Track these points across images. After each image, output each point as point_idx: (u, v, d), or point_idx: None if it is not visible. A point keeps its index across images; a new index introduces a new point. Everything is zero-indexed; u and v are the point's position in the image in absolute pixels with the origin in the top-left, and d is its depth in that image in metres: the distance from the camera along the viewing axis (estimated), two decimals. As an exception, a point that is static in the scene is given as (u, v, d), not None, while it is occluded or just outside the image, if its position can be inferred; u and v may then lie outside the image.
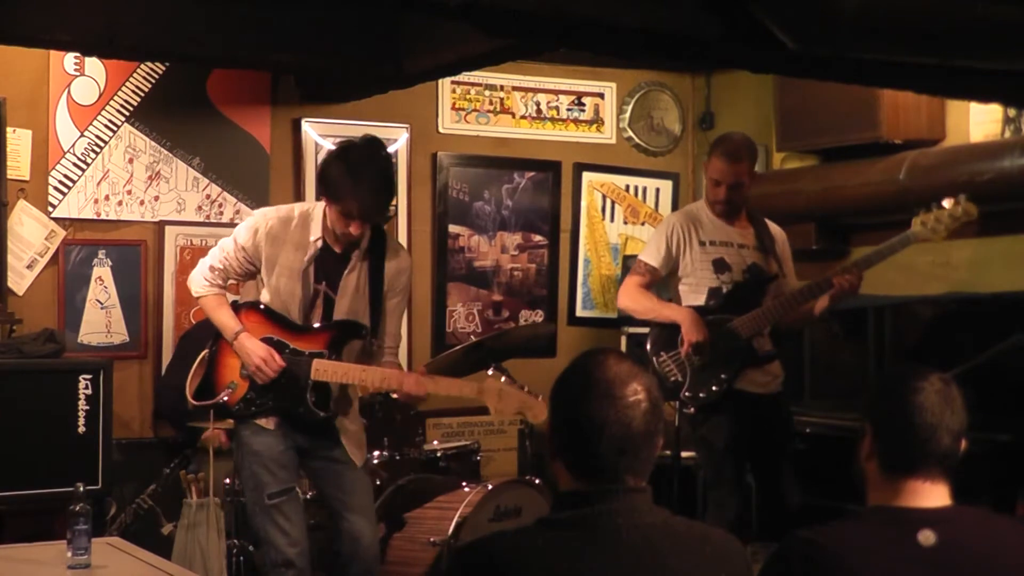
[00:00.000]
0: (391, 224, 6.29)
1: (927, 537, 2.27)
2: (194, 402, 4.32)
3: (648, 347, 4.91)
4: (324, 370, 4.18)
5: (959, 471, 2.38)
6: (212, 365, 4.32)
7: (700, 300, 4.85)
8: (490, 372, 4.29)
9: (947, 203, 4.52)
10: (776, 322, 4.84)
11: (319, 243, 4.22)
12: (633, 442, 2.10)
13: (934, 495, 2.34)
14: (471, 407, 6.47)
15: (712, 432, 4.82)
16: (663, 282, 5.02)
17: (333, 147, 4.27)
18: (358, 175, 4.05)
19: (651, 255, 4.95)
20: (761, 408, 4.83)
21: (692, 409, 4.80)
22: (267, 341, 4.21)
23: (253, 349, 4.19)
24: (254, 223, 4.28)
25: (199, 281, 4.32)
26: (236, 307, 4.31)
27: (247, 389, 4.24)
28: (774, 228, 5.01)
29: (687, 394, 4.76)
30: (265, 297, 4.27)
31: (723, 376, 4.77)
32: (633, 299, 4.96)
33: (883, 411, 2.41)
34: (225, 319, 4.26)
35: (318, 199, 4.23)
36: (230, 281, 4.36)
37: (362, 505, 4.34)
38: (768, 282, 4.87)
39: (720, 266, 4.85)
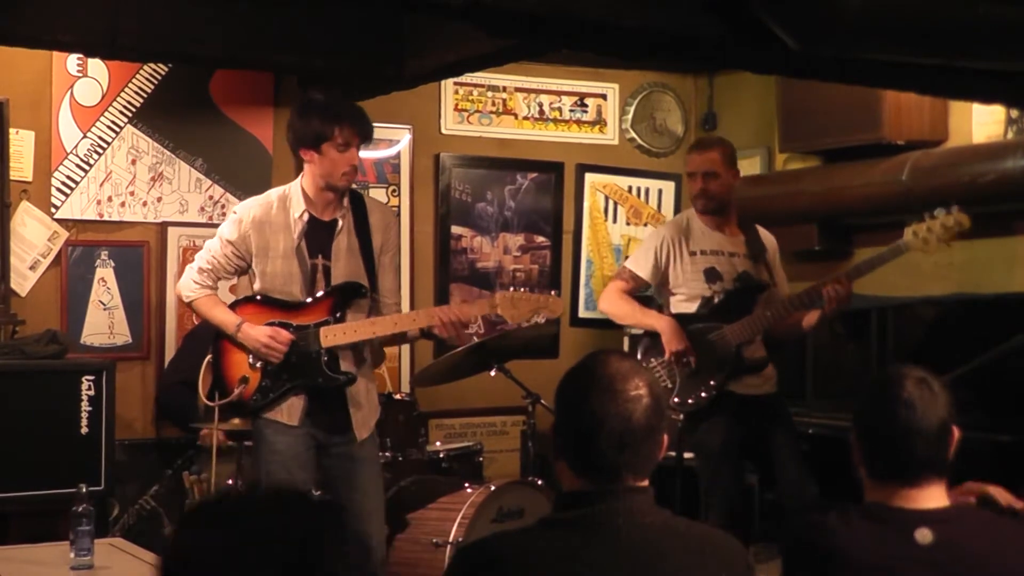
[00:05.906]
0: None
1: (924, 535, 2.28)
2: (208, 403, 4.32)
3: (640, 355, 4.92)
4: (333, 335, 4.19)
5: (959, 471, 2.38)
6: (218, 366, 4.31)
7: (692, 310, 4.87)
8: (498, 296, 4.31)
9: (939, 213, 4.49)
10: (766, 330, 4.85)
11: (305, 216, 4.24)
12: (633, 436, 2.10)
13: (925, 498, 2.34)
14: (474, 408, 6.51)
15: (706, 436, 4.82)
16: (656, 291, 5.04)
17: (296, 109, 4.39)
18: (336, 107, 4.20)
19: (638, 265, 4.97)
20: (756, 409, 4.84)
21: (681, 416, 4.82)
22: (270, 326, 4.22)
23: (257, 333, 4.19)
24: (237, 216, 4.31)
25: (188, 285, 4.30)
26: (232, 306, 4.32)
27: (260, 379, 4.23)
28: (765, 235, 5.01)
29: (675, 400, 4.78)
30: (260, 286, 4.27)
31: (712, 383, 4.78)
32: (614, 304, 5.00)
33: (862, 423, 2.43)
34: (223, 316, 4.26)
35: (305, 155, 4.23)
36: (220, 281, 4.36)
37: (374, 509, 4.32)
38: (759, 290, 4.88)
39: (711, 275, 4.86)
